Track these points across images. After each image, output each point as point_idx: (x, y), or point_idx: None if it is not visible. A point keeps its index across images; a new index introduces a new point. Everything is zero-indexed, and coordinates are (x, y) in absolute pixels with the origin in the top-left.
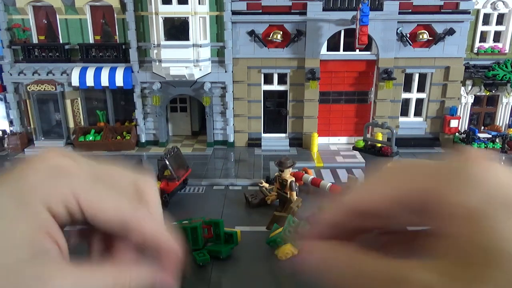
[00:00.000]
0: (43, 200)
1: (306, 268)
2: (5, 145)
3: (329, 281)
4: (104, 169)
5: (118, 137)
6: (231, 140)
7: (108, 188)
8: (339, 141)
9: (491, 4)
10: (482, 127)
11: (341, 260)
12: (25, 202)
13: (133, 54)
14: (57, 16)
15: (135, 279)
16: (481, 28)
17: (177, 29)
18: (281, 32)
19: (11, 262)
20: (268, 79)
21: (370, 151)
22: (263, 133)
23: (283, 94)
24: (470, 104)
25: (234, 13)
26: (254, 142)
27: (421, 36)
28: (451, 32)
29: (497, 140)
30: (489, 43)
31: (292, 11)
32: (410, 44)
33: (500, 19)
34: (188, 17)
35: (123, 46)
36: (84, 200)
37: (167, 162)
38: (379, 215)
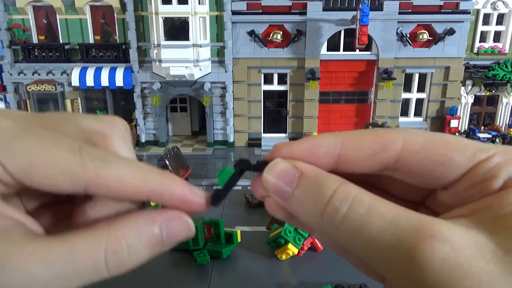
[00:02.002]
0: None
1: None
2: None
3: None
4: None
5: None
6: (231, 140)
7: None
8: None
9: (491, 4)
10: (482, 127)
11: (355, 193)
12: None
13: (133, 54)
14: (57, 16)
15: (132, 236)
16: (481, 28)
17: (177, 29)
18: (281, 32)
19: None
20: (268, 79)
21: None
22: (263, 133)
23: (283, 94)
24: (470, 104)
25: (234, 13)
26: (254, 142)
27: (421, 36)
28: (451, 32)
29: (497, 140)
30: (489, 43)
31: (292, 11)
32: (410, 44)
33: (500, 19)
34: (188, 17)
35: (123, 46)
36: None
37: (167, 162)
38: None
